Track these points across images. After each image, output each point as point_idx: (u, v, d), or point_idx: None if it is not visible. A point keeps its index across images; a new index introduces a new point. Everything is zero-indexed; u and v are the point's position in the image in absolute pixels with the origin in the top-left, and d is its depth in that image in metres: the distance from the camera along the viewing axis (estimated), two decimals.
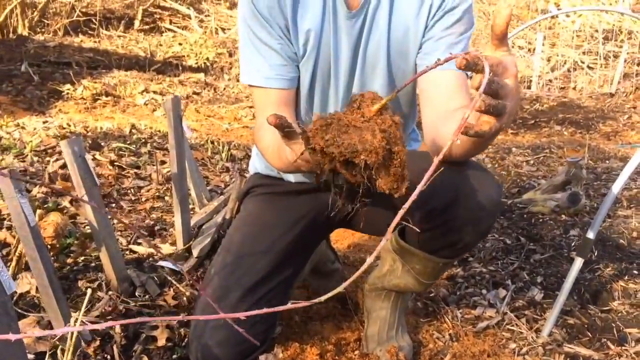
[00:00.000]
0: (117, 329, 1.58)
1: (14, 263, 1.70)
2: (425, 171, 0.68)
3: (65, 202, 2.35)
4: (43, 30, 8.01)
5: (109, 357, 1.50)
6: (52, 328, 1.51)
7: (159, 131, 3.56)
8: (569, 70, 7.59)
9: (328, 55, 1.39)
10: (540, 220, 2.57)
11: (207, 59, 7.19)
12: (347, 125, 0.86)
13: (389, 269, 1.59)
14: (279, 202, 1.62)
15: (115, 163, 2.79)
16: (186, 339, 1.61)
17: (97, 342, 1.52)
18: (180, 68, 6.89)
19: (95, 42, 7.43)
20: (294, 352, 1.57)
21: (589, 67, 7.74)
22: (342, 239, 2.47)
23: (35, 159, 2.73)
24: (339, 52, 1.39)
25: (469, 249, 1.73)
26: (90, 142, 3.05)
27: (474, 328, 1.82)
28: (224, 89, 5.86)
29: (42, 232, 1.77)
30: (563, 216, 2.58)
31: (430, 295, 2.00)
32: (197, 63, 7.10)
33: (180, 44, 7.55)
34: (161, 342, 1.60)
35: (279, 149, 1.16)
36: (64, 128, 3.46)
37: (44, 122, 3.46)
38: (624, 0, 9.03)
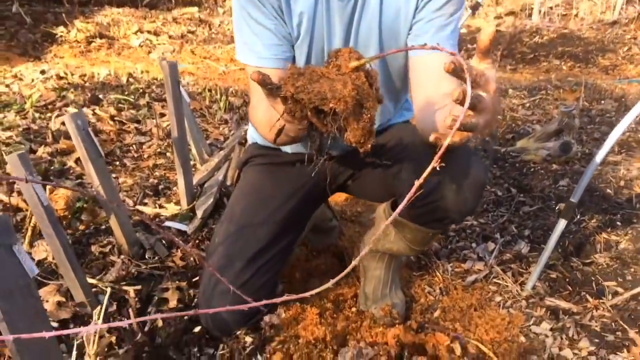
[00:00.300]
0: (132, 293, 1.70)
1: (29, 233, 1.80)
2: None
3: (70, 162, 2.43)
4: None
5: (125, 319, 1.62)
6: (70, 295, 1.63)
7: (156, 79, 3.57)
8: None
9: (322, 37, 1.42)
10: (532, 169, 2.65)
11: None
12: (321, 75, 0.89)
13: (383, 234, 1.69)
14: (277, 173, 1.69)
15: (116, 118, 2.83)
16: (195, 300, 1.73)
17: (114, 307, 1.65)
18: (173, 2, 6.74)
19: None
20: (295, 312, 1.70)
21: None
22: (338, 194, 2.55)
23: (37, 115, 2.78)
24: (332, 34, 1.42)
25: (456, 223, 1.82)
26: (88, 94, 3.07)
27: (463, 282, 1.94)
28: (219, 25, 5.76)
29: (54, 204, 1.86)
30: (554, 165, 2.66)
31: (434, 240, 2.11)
32: None
33: None
34: (172, 303, 1.72)
35: (269, 120, 1.20)
36: (62, 78, 3.47)
37: (41, 72, 3.46)
38: None
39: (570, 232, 2.14)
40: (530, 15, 7.09)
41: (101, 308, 1.27)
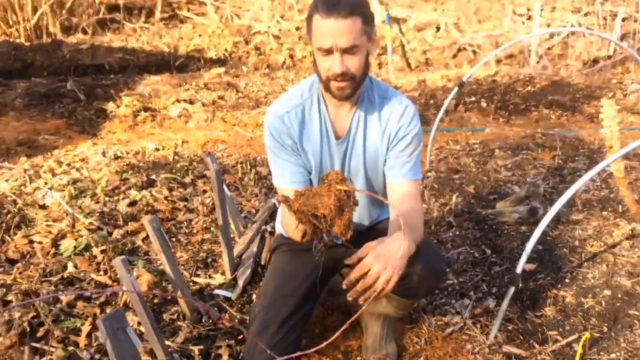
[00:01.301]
0: (196, 351, 2.35)
1: (121, 304, 2.48)
2: None
3: (138, 241, 3.12)
4: (71, 27, 8.66)
5: None
6: (154, 354, 2.29)
7: (196, 155, 4.28)
8: (567, 36, 7.98)
9: (327, 168, 2.09)
10: (505, 231, 3.26)
11: (226, 49, 7.81)
12: (315, 193, 1.56)
13: (379, 302, 2.33)
14: (298, 259, 2.34)
15: (168, 198, 3.53)
16: (241, 355, 2.37)
17: None
18: (202, 61, 7.54)
19: (122, 40, 8.08)
20: None
21: (588, 28, 8.11)
22: None
23: (107, 199, 3.49)
24: (333, 166, 2.10)
25: (425, 296, 2.43)
26: (144, 176, 3.79)
27: (443, 333, 2.55)
28: (245, 87, 6.51)
29: (140, 287, 2.53)
30: (523, 227, 3.25)
31: (414, 306, 2.73)
32: (216, 55, 7.74)
33: (199, 36, 8.16)
34: (225, 358, 2.37)
35: (293, 225, 1.88)
36: (118, 157, 4.21)
37: (102, 154, 4.20)
38: None
39: (528, 288, 2.74)
40: (529, 56, 7.68)
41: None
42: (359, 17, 1.81)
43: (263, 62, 7.85)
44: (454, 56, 8.04)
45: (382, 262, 1.65)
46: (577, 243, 3.10)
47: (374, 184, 2.20)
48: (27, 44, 7.91)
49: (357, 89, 1.97)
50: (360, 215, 2.29)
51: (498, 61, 7.69)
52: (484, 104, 5.75)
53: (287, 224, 2.09)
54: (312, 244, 2.25)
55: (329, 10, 1.77)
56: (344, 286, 1.64)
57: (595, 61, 7.30)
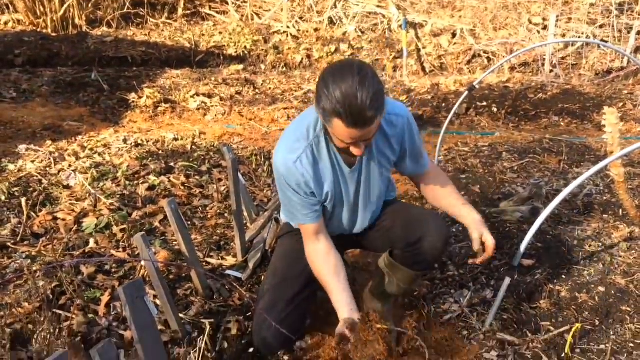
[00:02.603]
0: (207, 324, 2.50)
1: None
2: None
3: (156, 223, 3.29)
4: (96, 21, 8.90)
5: (202, 343, 2.43)
6: (168, 325, 2.44)
7: (213, 146, 4.45)
8: (582, 47, 8.05)
9: (341, 194, 2.26)
10: (507, 229, 3.38)
11: (245, 47, 7.99)
12: (365, 342, 1.99)
13: (380, 280, 2.47)
14: (303, 244, 2.48)
15: (185, 184, 3.70)
16: (249, 330, 2.52)
17: (195, 333, 2.45)
18: (222, 57, 7.73)
19: (145, 34, 8.30)
20: (318, 339, 2.47)
21: (602, 40, 8.17)
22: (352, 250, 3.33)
23: (127, 182, 3.66)
24: (348, 191, 2.26)
25: (430, 267, 2.56)
26: (163, 163, 3.96)
27: (441, 319, 2.68)
28: (262, 84, 6.68)
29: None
30: (525, 226, 3.37)
31: (415, 294, 2.86)
32: (236, 52, 7.92)
33: (220, 33, 8.35)
34: (234, 332, 2.52)
35: (318, 266, 2.28)
36: (139, 145, 4.39)
37: (124, 141, 4.38)
38: None
39: (525, 282, 2.86)
40: (543, 64, 7.77)
41: (204, 336, 2.08)
42: (380, 116, 1.86)
43: (281, 61, 8.01)
44: (469, 62, 8.15)
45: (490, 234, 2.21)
46: (575, 242, 3.21)
47: (371, 195, 2.37)
48: (54, 34, 8.15)
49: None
50: (372, 216, 2.45)
51: (512, 69, 7.79)
52: (494, 109, 5.87)
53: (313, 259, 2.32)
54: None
55: (354, 125, 1.82)
56: (477, 262, 2.26)
57: (608, 72, 7.37)
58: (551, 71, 7.54)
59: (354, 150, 1.94)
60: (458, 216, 2.32)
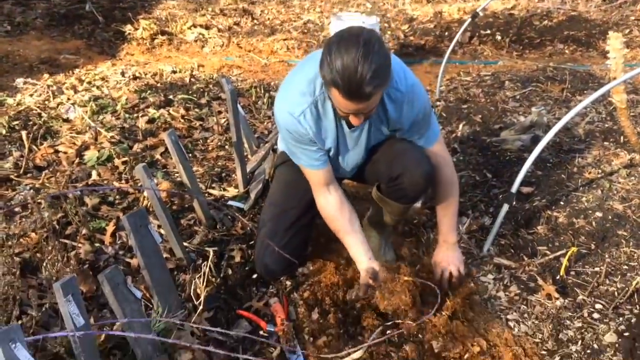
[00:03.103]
0: (211, 252, 2.56)
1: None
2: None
3: (157, 155, 3.30)
4: None
5: (207, 268, 2.49)
6: (172, 252, 2.49)
7: (212, 79, 4.40)
8: None
9: (341, 150, 2.25)
10: (507, 157, 3.39)
11: None
12: (392, 292, 2.11)
13: (376, 211, 2.50)
14: (301, 173, 2.47)
15: (185, 117, 3.68)
16: (252, 257, 2.58)
17: (200, 261, 2.51)
18: None
19: None
20: (319, 265, 2.54)
21: None
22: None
23: (127, 115, 3.65)
24: (347, 147, 2.24)
25: (414, 200, 2.55)
26: (162, 95, 3.93)
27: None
28: (260, 14, 6.52)
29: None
30: (525, 154, 3.37)
31: (414, 222, 2.91)
32: None
33: None
34: (237, 259, 2.58)
35: (332, 219, 2.28)
36: (137, 78, 4.34)
37: (121, 74, 4.33)
38: None
39: (523, 209, 2.90)
40: None
41: (207, 262, 2.13)
42: (379, 91, 1.82)
43: None
44: None
45: (452, 265, 2.35)
46: (575, 170, 3.22)
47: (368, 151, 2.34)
48: None
49: None
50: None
51: None
52: (498, 37, 5.74)
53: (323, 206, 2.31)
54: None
55: (350, 98, 1.78)
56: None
57: None
58: None
59: (352, 120, 1.94)
60: (438, 230, 2.46)
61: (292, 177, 2.50)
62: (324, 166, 2.21)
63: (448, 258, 2.37)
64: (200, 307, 2.06)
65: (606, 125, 3.77)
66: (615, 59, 2.99)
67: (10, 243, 2.25)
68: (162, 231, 2.52)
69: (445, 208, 2.37)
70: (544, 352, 2.06)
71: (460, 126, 3.85)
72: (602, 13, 6.39)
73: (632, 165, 3.24)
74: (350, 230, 2.25)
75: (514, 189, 2.51)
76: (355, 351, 2.02)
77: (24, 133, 3.15)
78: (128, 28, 5.61)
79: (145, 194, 2.67)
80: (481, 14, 3.97)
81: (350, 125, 2.12)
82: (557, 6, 6.51)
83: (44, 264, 2.16)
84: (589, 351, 2.05)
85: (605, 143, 3.52)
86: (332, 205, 2.25)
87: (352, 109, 1.84)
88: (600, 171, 3.20)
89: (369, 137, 2.22)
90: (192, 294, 2.14)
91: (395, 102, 2.08)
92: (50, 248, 2.30)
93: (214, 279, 2.35)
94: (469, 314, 2.26)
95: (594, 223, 2.76)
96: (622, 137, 3.52)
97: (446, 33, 6.07)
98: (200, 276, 2.18)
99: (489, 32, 5.88)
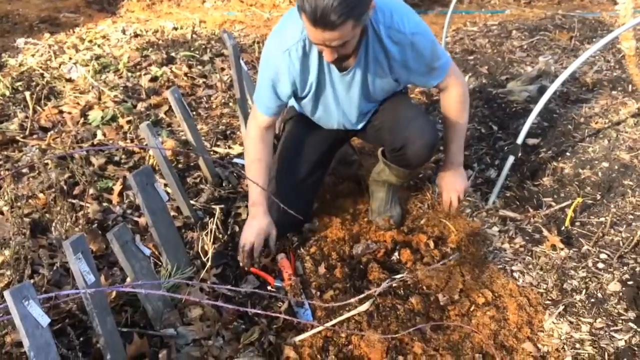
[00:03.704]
0: (217, 210, 2.58)
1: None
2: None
3: (161, 114, 3.29)
4: None
5: (213, 225, 2.52)
6: (180, 211, 2.52)
7: (214, 35, 4.33)
8: None
9: (326, 92, 2.19)
10: (514, 109, 3.35)
11: None
12: None
13: (381, 170, 2.51)
14: (310, 129, 2.49)
15: (188, 75, 3.65)
16: None
17: (207, 218, 2.54)
18: None
19: None
20: (326, 221, 2.55)
21: None
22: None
23: (129, 74, 3.62)
24: (336, 93, 2.19)
25: (418, 167, 2.52)
26: (164, 53, 3.89)
27: None
28: None
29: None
30: (531, 105, 3.33)
31: (420, 176, 2.91)
32: None
33: None
34: (244, 216, 2.60)
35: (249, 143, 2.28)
36: (138, 35, 4.28)
37: (122, 32, 4.27)
38: None
39: (529, 160, 2.89)
40: None
41: (214, 220, 2.16)
42: (349, 22, 1.74)
43: None
44: None
45: (452, 191, 2.38)
46: (582, 120, 3.19)
47: (369, 100, 2.29)
48: None
49: (351, 56, 1.99)
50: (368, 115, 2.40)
51: None
52: None
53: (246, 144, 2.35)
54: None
55: (315, 24, 1.72)
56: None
57: None
58: None
59: (325, 56, 1.89)
60: (444, 151, 2.44)
61: (299, 135, 2.50)
62: (273, 115, 2.25)
63: (453, 184, 2.40)
64: (209, 264, 2.09)
65: (614, 74, 3.70)
66: (625, 4, 2.93)
67: (19, 204, 2.28)
68: (169, 190, 2.54)
69: (454, 129, 2.34)
70: (548, 302, 2.09)
71: (466, 78, 3.80)
72: None
73: None
74: (256, 160, 2.29)
75: (519, 140, 2.49)
76: (361, 297, 2.03)
77: (27, 94, 3.15)
78: None
79: (150, 152, 2.68)
80: None
81: (340, 69, 2.10)
82: None
83: (54, 224, 2.19)
84: (592, 300, 2.08)
85: (614, 92, 3.47)
86: (255, 131, 2.29)
87: (319, 38, 1.80)
88: (607, 121, 3.16)
89: (366, 82, 2.17)
90: (199, 251, 2.17)
91: (399, 44, 2.04)
92: (58, 208, 2.33)
93: (221, 236, 2.37)
94: (474, 265, 2.29)
95: (599, 173, 2.75)
96: (630, 86, 3.47)
97: None
98: (207, 233, 2.20)
99: None
